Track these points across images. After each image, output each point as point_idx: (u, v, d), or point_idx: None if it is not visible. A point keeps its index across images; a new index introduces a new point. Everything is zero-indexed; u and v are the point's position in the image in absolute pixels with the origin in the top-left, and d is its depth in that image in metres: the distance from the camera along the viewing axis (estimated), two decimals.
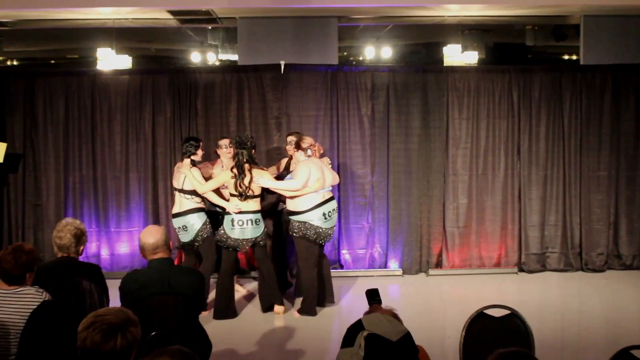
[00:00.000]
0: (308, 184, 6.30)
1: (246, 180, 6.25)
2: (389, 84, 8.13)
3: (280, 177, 6.78)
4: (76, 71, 8.38)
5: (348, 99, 8.11)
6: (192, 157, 6.51)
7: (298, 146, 6.49)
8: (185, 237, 6.52)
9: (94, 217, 8.11)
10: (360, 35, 9.20)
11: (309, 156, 6.45)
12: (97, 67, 8.41)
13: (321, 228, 6.38)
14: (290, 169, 6.86)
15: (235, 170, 6.28)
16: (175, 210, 6.60)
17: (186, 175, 6.45)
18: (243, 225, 6.26)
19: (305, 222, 6.35)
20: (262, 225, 6.42)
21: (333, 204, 6.54)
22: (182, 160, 6.65)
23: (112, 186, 8.10)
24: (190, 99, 8.03)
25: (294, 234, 6.41)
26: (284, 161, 7.14)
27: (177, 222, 6.56)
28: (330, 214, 6.45)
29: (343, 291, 7.31)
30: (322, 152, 6.76)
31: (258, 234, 6.34)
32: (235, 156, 6.36)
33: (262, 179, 6.30)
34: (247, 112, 8.04)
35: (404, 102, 8.14)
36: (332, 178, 6.59)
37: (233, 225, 6.28)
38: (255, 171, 6.29)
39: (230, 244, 6.32)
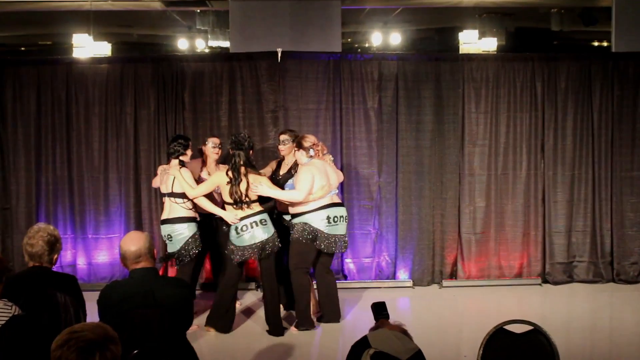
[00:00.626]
0: (312, 192, 6.31)
1: (242, 186, 6.24)
2: (398, 73, 8.13)
3: (273, 179, 6.77)
4: (49, 59, 8.38)
5: (352, 90, 8.12)
6: (181, 158, 6.51)
7: (299, 145, 6.49)
8: (170, 248, 6.52)
9: (70, 223, 8.11)
10: (366, 20, 9.21)
11: (311, 157, 6.46)
12: (73, 55, 8.42)
13: (323, 232, 6.39)
14: (281, 172, 6.86)
15: (230, 174, 6.26)
16: (163, 216, 6.59)
17: (175, 176, 6.43)
18: (248, 229, 6.25)
19: (305, 224, 6.37)
20: (271, 226, 6.37)
21: (341, 211, 6.55)
22: (168, 161, 6.65)
23: (89, 188, 8.10)
24: (176, 91, 8.04)
25: (292, 236, 6.42)
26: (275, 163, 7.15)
27: (163, 230, 6.55)
28: (336, 219, 6.46)
29: (347, 305, 7.31)
30: (325, 152, 6.75)
31: (270, 234, 6.30)
32: (231, 158, 6.35)
33: (261, 186, 6.28)
34: (239, 106, 8.04)
35: (414, 94, 8.14)
36: (336, 178, 6.61)
37: (238, 232, 6.27)
38: (252, 177, 6.26)
39: (244, 256, 6.28)
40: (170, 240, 6.46)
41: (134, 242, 3.81)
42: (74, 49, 8.55)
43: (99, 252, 8.13)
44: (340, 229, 6.53)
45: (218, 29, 9.26)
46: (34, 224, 5.08)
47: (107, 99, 8.08)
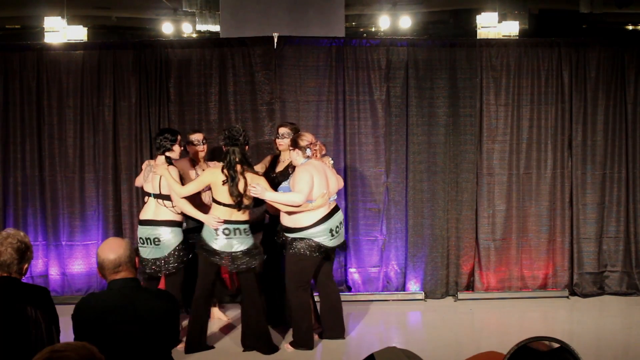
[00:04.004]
0: (312, 196, 6.32)
1: (241, 186, 6.26)
2: (408, 61, 8.14)
3: (267, 178, 6.78)
4: (18, 45, 8.38)
5: (357, 80, 8.13)
6: (167, 154, 6.53)
7: (295, 144, 6.46)
8: (151, 254, 6.50)
9: (41, 228, 8.12)
10: (373, 1, 9.21)
11: (308, 157, 6.42)
12: (44, 40, 8.43)
13: (328, 247, 6.42)
14: (277, 170, 6.87)
15: (227, 172, 6.27)
16: (147, 216, 6.57)
17: (163, 175, 6.45)
18: (230, 235, 6.28)
19: (310, 239, 6.35)
20: (250, 238, 6.42)
21: (340, 216, 6.58)
22: (155, 157, 6.67)
23: (63, 189, 8.11)
24: (160, 80, 8.05)
25: (291, 252, 6.41)
26: (269, 159, 7.17)
27: (146, 232, 6.53)
28: (337, 229, 6.49)
29: (351, 319, 7.32)
30: (324, 152, 6.72)
31: (248, 246, 6.35)
32: (225, 155, 6.35)
33: (259, 187, 6.27)
34: (231, 97, 8.05)
35: (426, 84, 8.15)
36: (336, 184, 6.60)
37: (217, 234, 6.30)
38: (249, 176, 6.28)
39: (210, 253, 6.30)
40: (157, 245, 6.47)
41: (113, 250, 3.81)
42: (45, 33, 8.56)
43: (74, 261, 8.13)
44: (342, 236, 6.60)
45: (207, 11, 9.26)
46: (2, 229, 5.08)
47: (82, 89, 8.08)
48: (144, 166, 6.87)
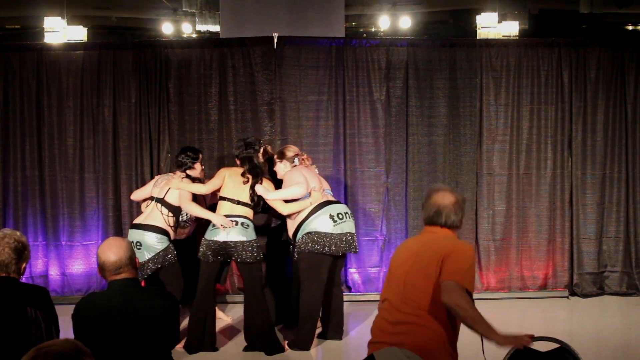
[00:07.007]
0: (309, 190, 6.39)
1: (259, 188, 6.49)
2: (408, 61, 8.14)
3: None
4: (18, 45, 8.38)
5: (357, 80, 8.13)
6: (189, 172, 6.66)
7: (282, 155, 6.66)
8: (140, 257, 6.53)
9: (41, 228, 8.12)
10: (373, 1, 9.20)
11: (295, 166, 6.61)
12: (44, 41, 8.43)
13: (332, 235, 6.39)
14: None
15: (248, 175, 6.49)
16: (138, 219, 6.65)
17: (179, 187, 6.52)
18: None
19: (310, 233, 6.38)
20: (251, 231, 6.42)
21: (343, 207, 6.60)
22: (174, 172, 6.78)
23: (63, 189, 8.11)
24: (160, 81, 8.05)
25: (301, 250, 6.40)
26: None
27: (132, 235, 6.58)
28: (341, 216, 6.49)
29: (351, 319, 7.31)
30: (310, 163, 6.88)
31: (248, 238, 6.33)
32: (246, 160, 6.55)
33: (261, 187, 6.46)
34: (231, 97, 8.05)
35: (426, 85, 8.15)
36: (326, 184, 6.77)
37: (214, 225, 6.35)
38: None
39: (210, 251, 6.32)
40: (139, 248, 6.47)
41: (114, 251, 3.80)
42: (45, 33, 8.56)
43: (74, 261, 8.13)
44: (349, 225, 6.54)
45: (207, 11, 9.25)
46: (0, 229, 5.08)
47: (82, 89, 8.09)
48: (155, 179, 6.90)
